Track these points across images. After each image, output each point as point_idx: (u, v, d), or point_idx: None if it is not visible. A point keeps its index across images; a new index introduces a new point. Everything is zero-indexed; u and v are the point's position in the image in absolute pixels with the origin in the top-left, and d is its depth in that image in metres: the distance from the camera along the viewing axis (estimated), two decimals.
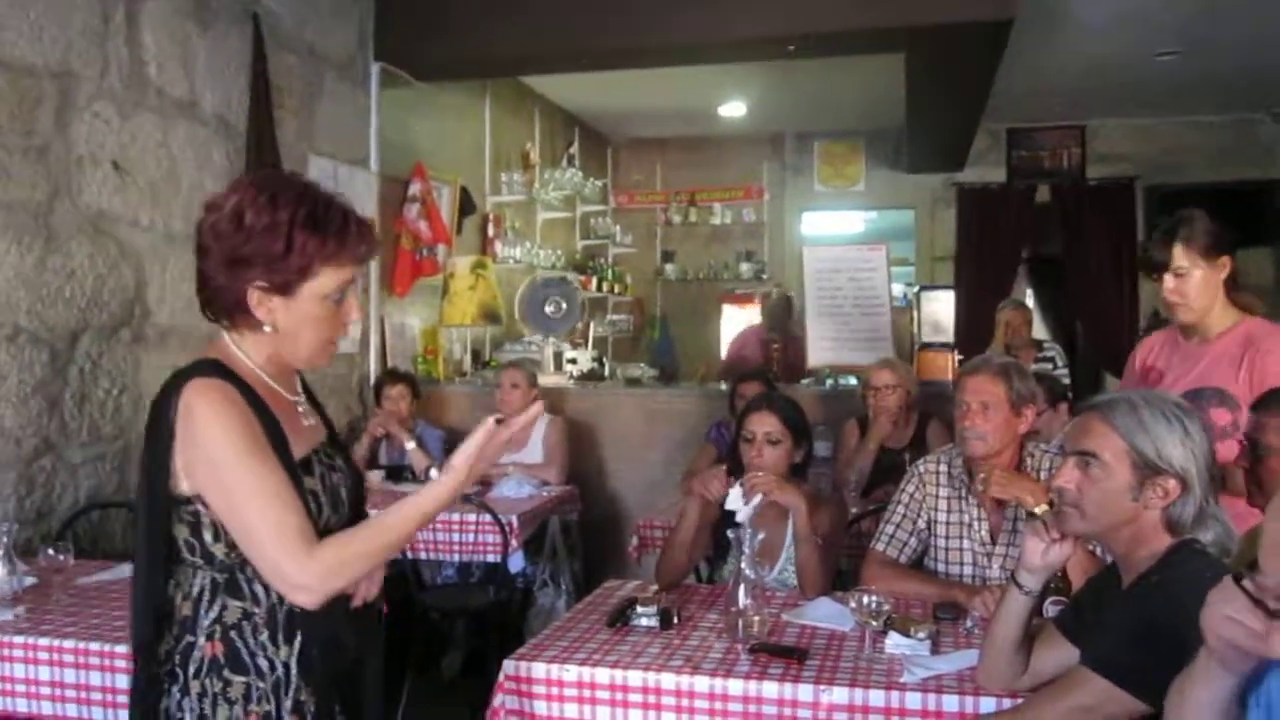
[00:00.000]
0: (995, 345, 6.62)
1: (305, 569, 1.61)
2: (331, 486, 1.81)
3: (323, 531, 1.71)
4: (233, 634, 1.70)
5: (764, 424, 3.04)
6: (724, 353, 7.40)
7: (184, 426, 1.64)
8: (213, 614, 1.70)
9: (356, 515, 1.86)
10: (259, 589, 1.70)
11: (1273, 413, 2.11)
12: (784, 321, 6.84)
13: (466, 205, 6.72)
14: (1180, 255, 2.79)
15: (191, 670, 1.70)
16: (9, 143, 3.46)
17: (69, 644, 2.47)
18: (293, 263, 1.66)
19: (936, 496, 3.00)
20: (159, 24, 4.11)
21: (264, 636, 1.71)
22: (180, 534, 1.69)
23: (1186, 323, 2.90)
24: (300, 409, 1.83)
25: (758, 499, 2.82)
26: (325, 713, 1.78)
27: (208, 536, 1.67)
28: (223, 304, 1.72)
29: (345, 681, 1.84)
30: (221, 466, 1.62)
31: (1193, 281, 2.80)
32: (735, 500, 2.81)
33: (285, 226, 1.66)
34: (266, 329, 1.71)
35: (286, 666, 1.72)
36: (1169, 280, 2.83)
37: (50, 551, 2.80)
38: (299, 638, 1.72)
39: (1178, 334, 2.98)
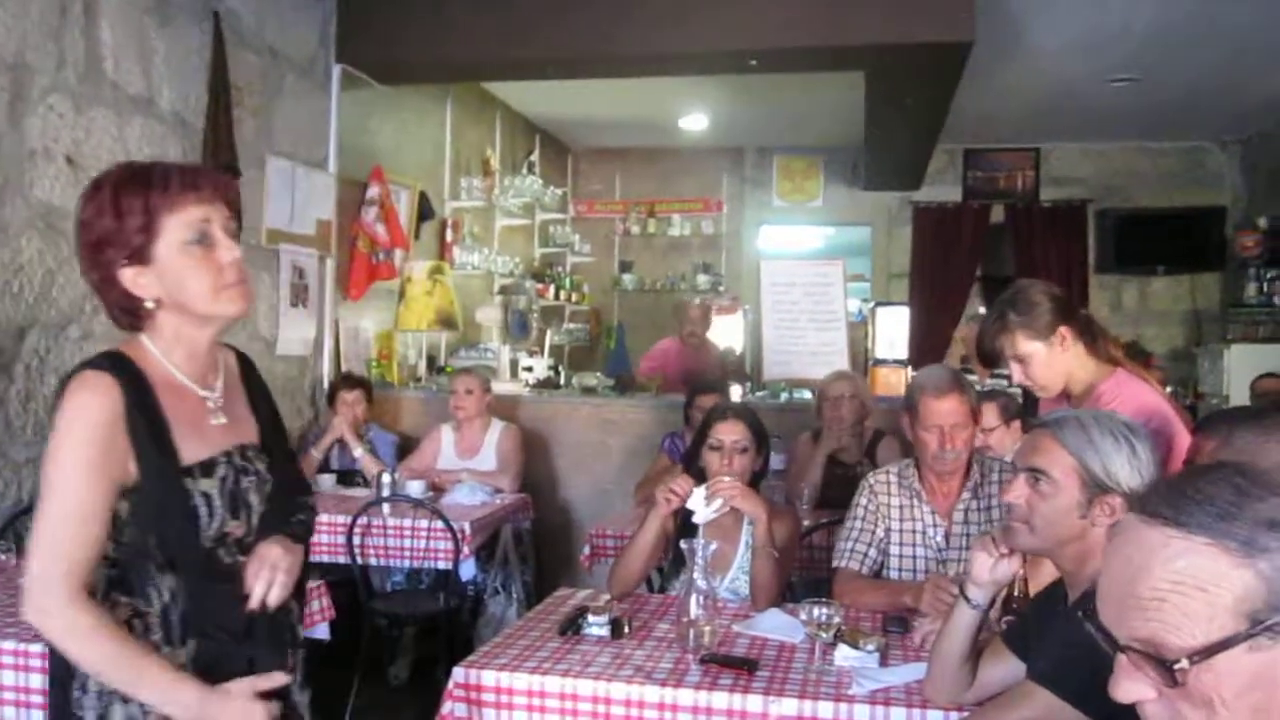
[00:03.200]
0: (952, 360, 6.71)
1: (55, 612, 1.58)
2: (237, 491, 1.74)
3: (217, 537, 1.70)
4: (150, 650, 1.64)
5: (733, 432, 3.06)
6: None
7: (55, 418, 1.63)
8: (120, 625, 1.64)
9: (277, 521, 1.82)
10: (151, 590, 1.66)
11: (1207, 436, 2.15)
12: (704, 332, 6.90)
13: (425, 210, 6.70)
14: (1016, 343, 2.65)
15: None
16: None
17: (8, 645, 2.43)
18: (130, 225, 1.63)
19: (889, 505, 3.04)
20: (117, 18, 4.06)
21: (157, 636, 1.66)
22: None
23: (1051, 397, 2.76)
24: (210, 406, 1.77)
25: (719, 502, 2.85)
26: None
27: (105, 533, 1.63)
28: (116, 304, 1.69)
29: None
30: (51, 465, 1.61)
31: (1037, 364, 2.66)
32: (697, 503, 2.83)
33: (109, 199, 1.64)
34: (149, 304, 1.67)
35: (183, 668, 1.65)
36: (1015, 370, 2.71)
37: None
38: (192, 640, 1.68)
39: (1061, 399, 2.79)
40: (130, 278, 1.66)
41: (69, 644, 1.59)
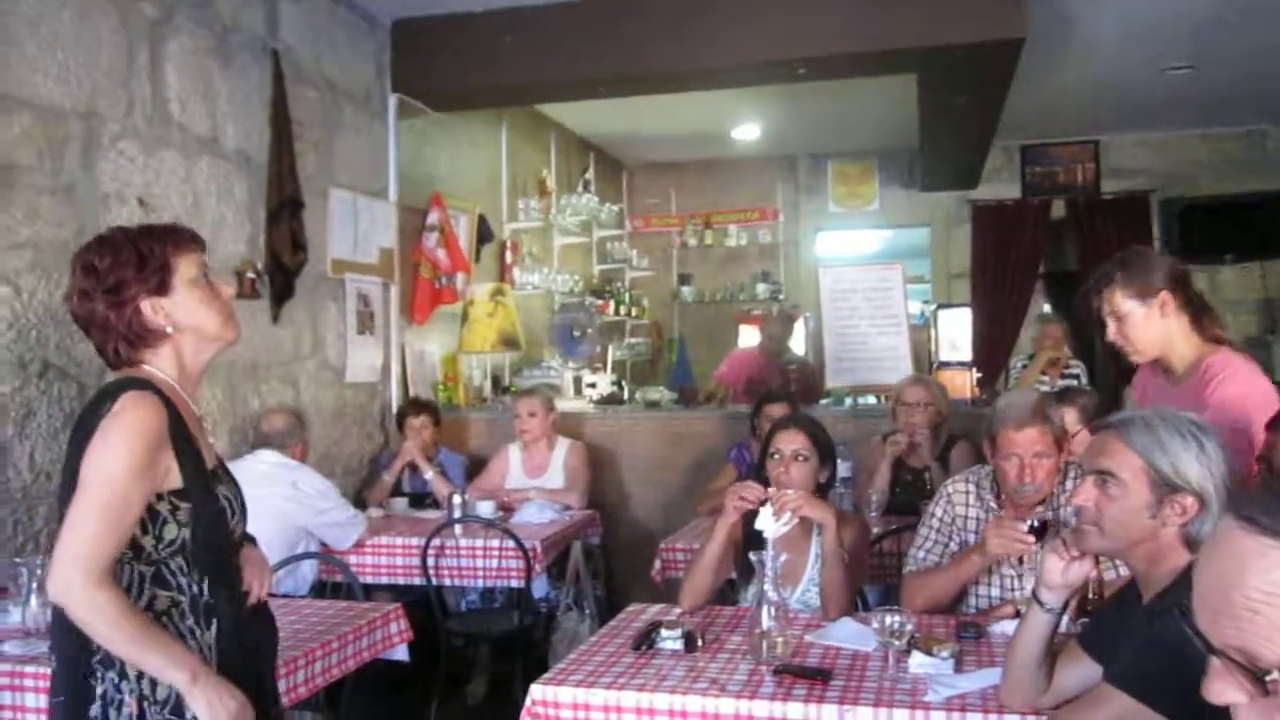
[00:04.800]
0: (1037, 359, 6.61)
1: (78, 588, 1.79)
2: (239, 496, 2.08)
3: (238, 540, 2.07)
4: (164, 620, 1.91)
5: (792, 441, 3.06)
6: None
7: (107, 422, 1.86)
8: (143, 602, 1.90)
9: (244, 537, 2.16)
10: (183, 580, 1.94)
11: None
12: (784, 340, 6.87)
13: (484, 233, 6.79)
14: (1115, 300, 2.69)
15: None
16: (37, 182, 3.53)
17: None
18: (153, 264, 1.96)
19: (966, 518, 3.01)
20: (181, 62, 4.19)
21: (189, 621, 1.94)
22: None
23: (1145, 362, 2.79)
24: (207, 426, 2.11)
25: (787, 517, 2.83)
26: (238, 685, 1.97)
27: (136, 530, 1.88)
28: (124, 337, 1.97)
29: (251, 661, 2.05)
30: (97, 465, 1.84)
31: (1133, 324, 2.68)
32: (765, 520, 2.82)
33: (128, 247, 1.97)
34: (169, 330, 1.98)
35: (210, 647, 1.95)
36: (1110, 326, 2.73)
37: None
38: (215, 623, 1.96)
39: (1157, 370, 2.83)
40: (150, 308, 1.96)
41: (89, 618, 1.81)
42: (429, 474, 5.07)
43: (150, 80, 4.03)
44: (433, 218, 6.05)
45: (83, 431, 1.89)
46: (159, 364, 2.00)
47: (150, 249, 1.97)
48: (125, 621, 1.81)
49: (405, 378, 5.87)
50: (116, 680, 1.88)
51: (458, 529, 4.39)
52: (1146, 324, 2.67)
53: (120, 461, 1.83)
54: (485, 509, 4.58)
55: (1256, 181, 8.47)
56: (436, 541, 4.30)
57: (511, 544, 4.22)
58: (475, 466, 5.46)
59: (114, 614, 1.80)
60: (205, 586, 1.95)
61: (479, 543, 4.35)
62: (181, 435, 1.93)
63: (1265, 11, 5.63)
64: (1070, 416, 3.76)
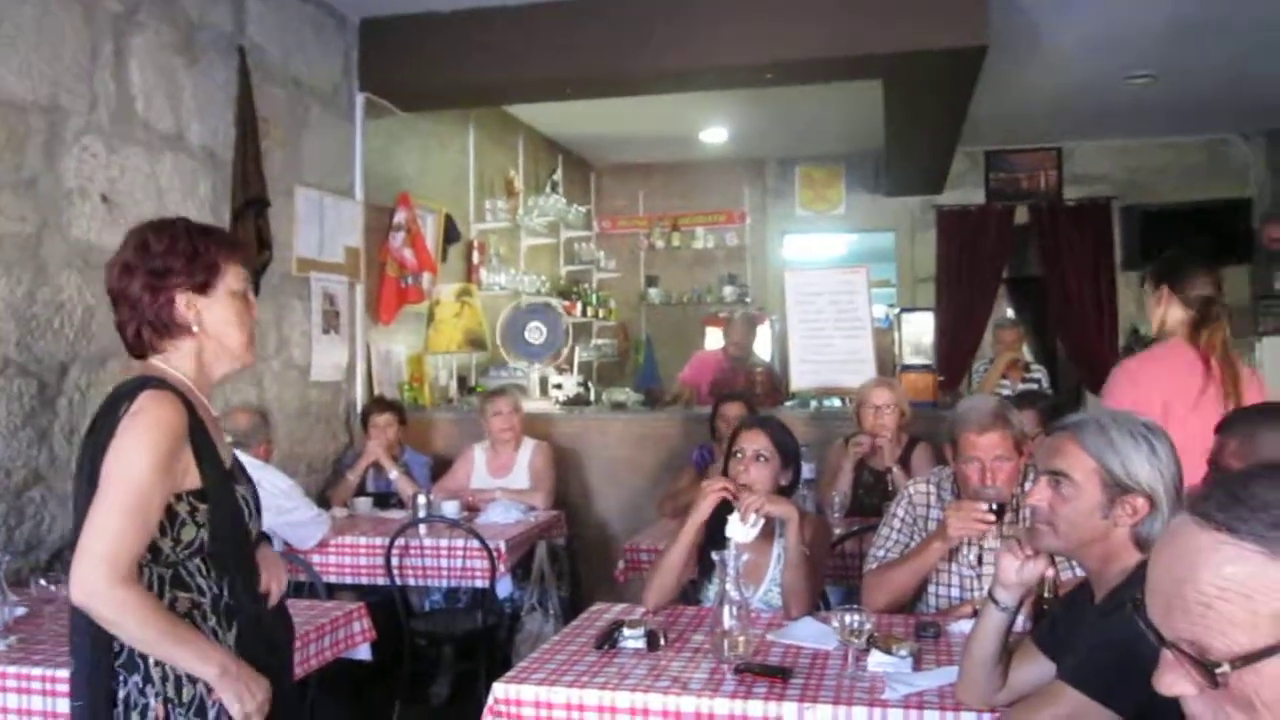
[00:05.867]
0: (997, 362, 6.70)
1: (104, 590, 1.78)
2: (255, 495, 2.08)
3: (256, 539, 2.06)
4: (186, 622, 1.90)
5: (754, 441, 3.07)
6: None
7: (127, 422, 1.85)
8: (164, 605, 1.88)
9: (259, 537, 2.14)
10: (202, 581, 1.94)
11: (1232, 434, 2.17)
12: (748, 344, 6.91)
13: (451, 233, 6.78)
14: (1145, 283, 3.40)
15: (152, 659, 1.87)
16: None
17: (62, 674, 2.49)
18: (203, 261, 1.97)
19: (927, 519, 3.04)
20: (146, 58, 4.16)
21: (211, 623, 1.93)
22: None
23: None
24: (222, 426, 2.12)
25: (753, 519, 2.86)
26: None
27: (155, 532, 1.86)
28: (149, 324, 1.97)
29: (271, 658, 2.05)
30: (119, 464, 1.83)
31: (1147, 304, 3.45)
32: (735, 527, 2.84)
33: (185, 237, 1.98)
34: (194, 329, 1.97)
35: (231, 648, 1.94)
36: None
37: (42, 582, 2.84)
38: (236, 623, 1.96)
39: None
40: (186, 301, 1.96)
41: (117, 618, 1.80)
42: (394, 474, 5.06)
43: (114, 76, 4.00)
44: (399, 217, 6.04)
45: (101, 432, 1.87)
46: (175, 360, 1.99)
47: (205, 247, 1.99)
48: (154, 619, 1.81)
49: (370, 377, 5.85)
50: (140, 684, 1.88)
51: (422, 529, 4.39)
52: (1148, 307, 3.38)
53: (142, 460, 1.82)
54: (450, 509, 4.58)
55: (1217, 189, 8.62)
56: (401, 541, 4.30)
57: (476, 544, 4.22)
58: (440, 467, 5.45)
59: (142, 612, 1.80)
60: (225, 587, 1.95)
61: (444, 543, 4.35)
62: (200, 434, 1.93)
63: (1224, 24, 5.73)
64: (1030, 420, 3.81)
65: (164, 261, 1.94)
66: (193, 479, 1.90)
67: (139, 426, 1.84)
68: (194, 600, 1.92)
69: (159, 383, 1.91)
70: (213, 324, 1.99)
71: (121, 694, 1.87)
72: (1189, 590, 0.96)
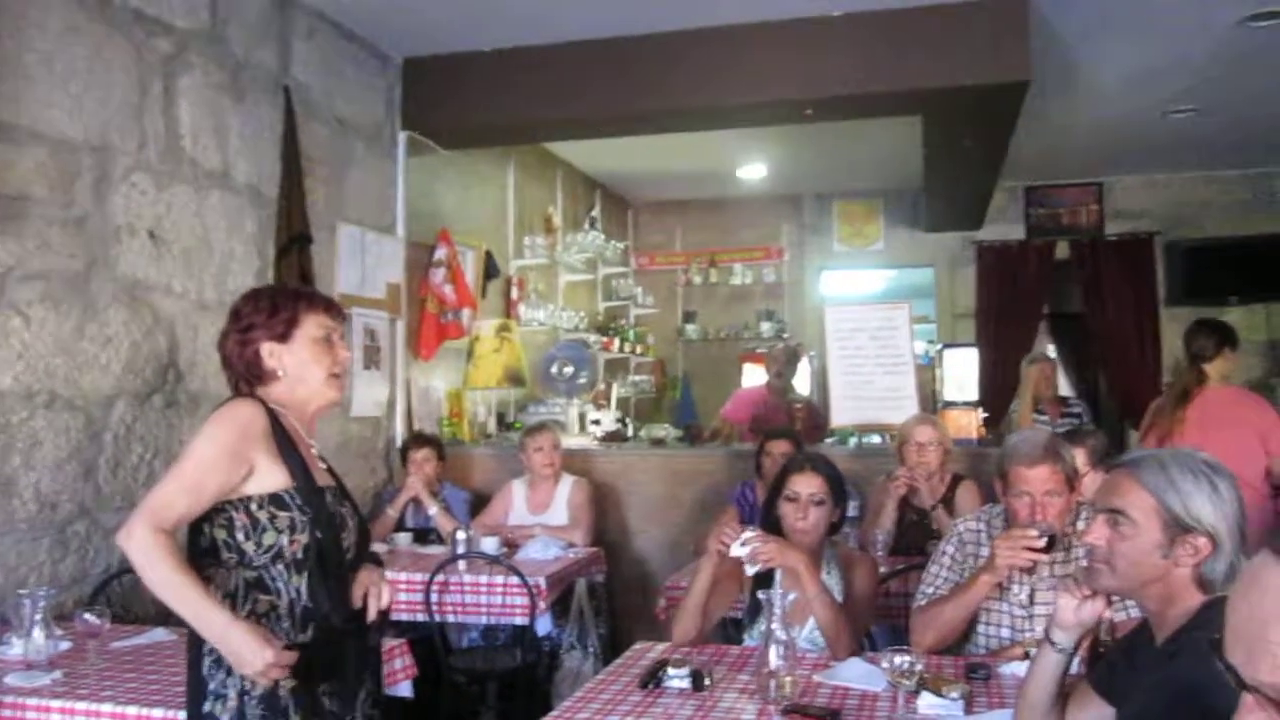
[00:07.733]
0: (1023, 400, 6.62)
1: (138, 534, 2.03)
2: (359, 519, 2.33)
3: (352, 558, 2.26)
4: (263, 622, 2.12)
5: (809, 485, 3.04)
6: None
7: (210, 415, 2.20)
8: (247, 607, 2.14)
9: (367, 552, 2.37)
10: (280, 585, 2.16)
11: None
12: (790, 378, 6.86)
13: (491, 269, 6.81)
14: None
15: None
16: (48, 214, 3.55)
17: (106, 708, 2.50)
18: (281, 316, 2.27)
19: (977, 557, 2.98)
20: (194, 97, 4.22)
21: (286, 624, 2.15)
22: (219, 536, 2.15)
23: None
24: (315, 452, 2.33)
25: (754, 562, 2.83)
26: (327, 679, 2.21)
27: (240, 536, 2.14)
28: (242, 374, 2.29)
29: (338, 659, 2.24)
30: (193, 443, 2.16)
31: None
32: (739, 550, 2.82)
33: (266, 297, 2.32)
34: (280, 373, 2.26)
35: (304, 648, 2.13)
36: None
37: (86, 616, 2.83)
38: (311, 628, 2.16)
39: None
40: (268, 351, 2.27)
41: (140, 558, 2.04)
42: (433, 509, 5.06)
43: (163, 115, 4.07)
44: (440, 253, 6.08)
45: None
46: (271, 395, 2.28)
47: (284, 303, 2.29)
48: (167, 563, 2.02)
49: (410, 413, 5.87)
50: (224, 678, 2.12)
51: (462, 565, 4.37)
52: None
53: (208, 440, 2.13)
54: (490, 545, 4.56)
55: (1261, 223, 8.51)
56: (440, 577, 4.28)
57: (516, 580, 4.20)
58: (479, 502, 5.44)
59: (159, 555, 2.02)
60: (304, 591, 2.16)
61: (483, 579, 4.33)
62: (287, 446, 2.20)
63: (1266, 56, 5.67)
64: (1080, 457, 3.74)
65: (248, 320, 2.27)
66: (273, 483, 2.16)
67: (215, 418, 2.18)
68: (272, 603, 2.14)
69: (249, 398, 2.24)
70: (294, 366, 2.28)
71: (210, 686, 2.13)
72: (1273, 632, 0.93)
